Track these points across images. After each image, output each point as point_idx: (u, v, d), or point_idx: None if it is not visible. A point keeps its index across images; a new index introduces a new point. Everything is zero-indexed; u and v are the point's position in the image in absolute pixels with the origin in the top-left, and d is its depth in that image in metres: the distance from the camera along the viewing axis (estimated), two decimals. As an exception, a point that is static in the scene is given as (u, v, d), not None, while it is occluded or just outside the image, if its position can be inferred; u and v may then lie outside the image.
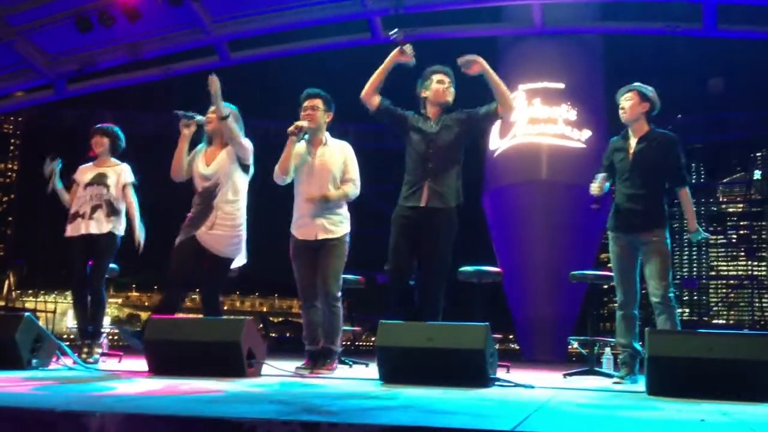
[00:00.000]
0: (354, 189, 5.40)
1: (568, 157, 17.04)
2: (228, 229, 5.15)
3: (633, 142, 5.23)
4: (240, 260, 5.35)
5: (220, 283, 5.34)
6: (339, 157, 5.43)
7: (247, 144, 5.27)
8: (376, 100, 5.08)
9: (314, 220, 5.32)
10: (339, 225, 5.38)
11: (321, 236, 5.31)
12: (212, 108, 5.23)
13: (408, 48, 4.92)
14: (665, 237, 5.09)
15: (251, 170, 5.37)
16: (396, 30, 4.91)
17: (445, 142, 4.97)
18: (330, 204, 5.31)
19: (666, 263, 5.04)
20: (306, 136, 5.39)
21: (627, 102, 5.23)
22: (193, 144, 5.37)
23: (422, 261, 4.89)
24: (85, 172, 6.17)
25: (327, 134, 5.48)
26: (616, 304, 5.29)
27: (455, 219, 4.94)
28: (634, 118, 5.22)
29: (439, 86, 5.07)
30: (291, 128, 5.23)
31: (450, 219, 4.91)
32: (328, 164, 5.38)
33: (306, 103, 5.42)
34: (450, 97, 5.09)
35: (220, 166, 5.21)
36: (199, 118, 5.28)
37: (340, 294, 5.34)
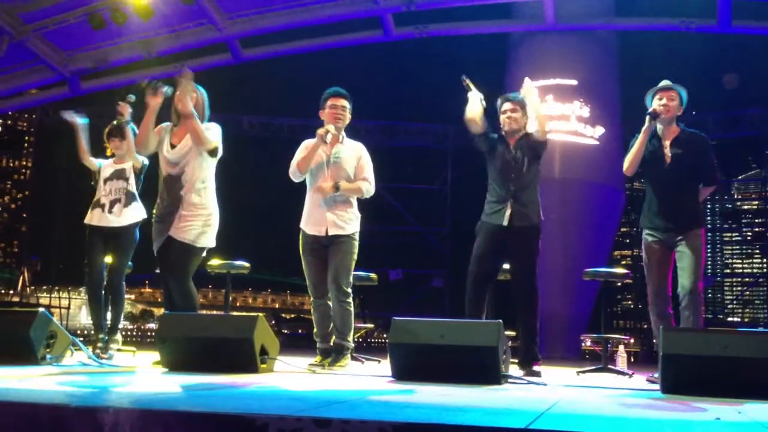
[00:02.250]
0: (369, 187, 5.49)
1: (582, 153, 17.01)
2: (196, 219, 4.94)
3: (666, 143, 5.19)
4: (209, 242, 5.08)
5: (187, 270, 4.96)
6: (353, 157, 5.51)
7: (213, 135, 5.04)
8: (480, 127, 5.45)
9: (325, 215, 5.36)
10: (349, 222, 5.41)
11: (331, 232, 5.34)
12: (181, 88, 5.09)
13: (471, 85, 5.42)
14: (701, 236, 5.10)
15: (219, 152, 5.13)
16: (464, 76, 5.43)
17: (525, 165, 5.36)
18: (341, 200, 5.37)
19: (700, 259, 5.03)
20: (328, 137, 5.41)
21: (672, 101, 5.17)
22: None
23: (518, 273, 5.34)
24: (106, 168, 6.32)
25: (343, 134, 5.57)
26: (649, 307, 5.23)
27: (538, 232, 5.37)
28: (671, 118, 5.19)
29: (504, 117, 5.48)
30: (322, 131, 5.30)
31: (535, 233, 5.34)
32: (343, 162, 5.45)
33: (334, 102, 5.48)
34: (515, 125, 5.44)
35: (186, 152, 4.99)
36: (166, 89, 5.07)
37: (350, 290, 5.34)
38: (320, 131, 5.32)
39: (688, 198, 5.15)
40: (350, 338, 5.38)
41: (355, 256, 5.41)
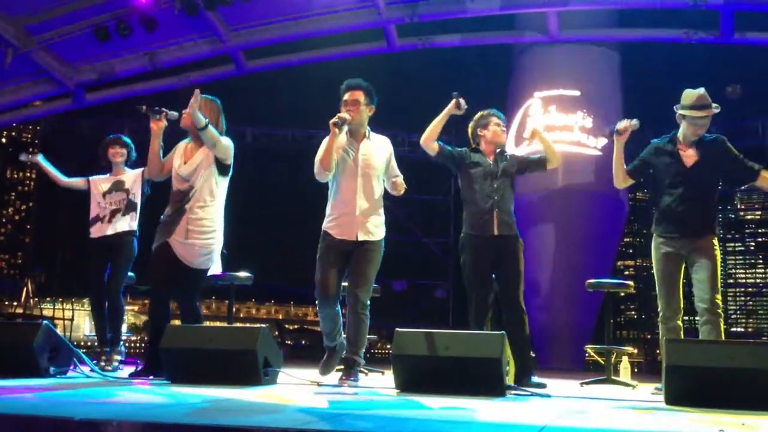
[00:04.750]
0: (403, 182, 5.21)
1: (584, 164, 17.02)
2: (201, 238, 4.92)
3: (688, 148, 5.08)
4: (214, 269, 5.12)
5: (195, 294, 5.09)
6: (383, 153, 5.17)
7: (227, 143, 5.04)
8: (435, 146, 5.51)
9: (355, 219, 5.01)
10: (380, 227, 5.11)
11: (362, 237, 5.00)
12: (190, 104, 4.98)
13: (462, 101, 5.29)
14: (715, 244, 5.01)
15: (230, 171, 5.13)
16: (456, 92, 5.36)
17: (506, 177, 5.52)
18: (374, 204, 5.07)
19: (716, 269, 4.94)
20: (346, 127, 5.04)
21: (708, 120, 5.05)
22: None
23: (507, 283, 5.39)
24: (103, 182, 6.27)
25: (369, 128, 5.18)
26: (659, 318, 5.08)
27: (521, 243, 5.47)
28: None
29: (497, 128, 5.62)
30: (334, 119, 4.90)
31: (519, 246, 5.44)
32: (372, 160, 5.10)
33: (347, 97, 5.08)
34: (503, 139, 5.66)
35: (197, 167, 5.00)
36: (170, 113, 5.06)
37: (369, 302, 5.04)
38: (332, 120, 4.89)
39: (705, 203, 5.06)
40: (362, 353, 5.07)
41: (379, 265, 5.11)
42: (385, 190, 5.27)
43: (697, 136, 5.08)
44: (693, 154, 5.07)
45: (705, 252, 4.96)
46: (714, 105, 5.05)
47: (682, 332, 5.04)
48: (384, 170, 5.18)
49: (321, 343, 5.30)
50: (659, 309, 5.09)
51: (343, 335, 5.14)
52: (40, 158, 6.31)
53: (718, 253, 5.03)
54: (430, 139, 5.45)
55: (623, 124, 5.16)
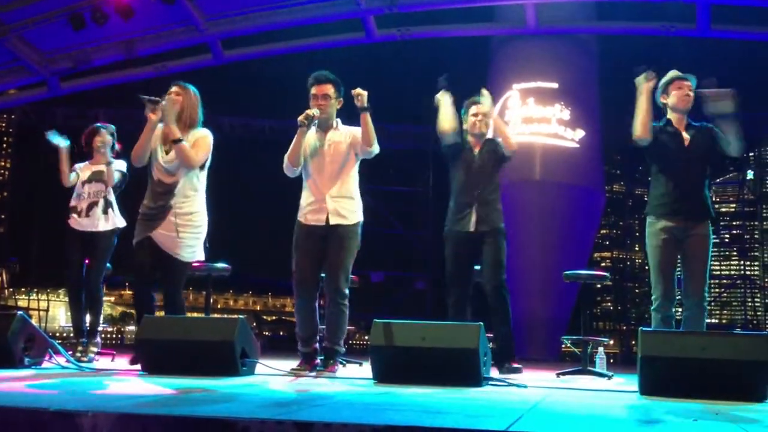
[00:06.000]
0: (375, 141, 5.05)
1: (562, 156, 17.09)
2: (189, 231, 4.91)
3: (683, 131, 5.01)
4: (198, 256, 5.08)
5: (180, 284, 5.05)
6: (348, 140, 5.13)
7: (201, 151, 4.99)
8: (453, 137, 5.60)
9: (325, 203, 5.01)
10: (353, 212, 5.07)
11: (332, 221, 4.99)
12: (174, 88, 5.01)
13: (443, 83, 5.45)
14: (711, 231, 4.93)
15: (208, 162, 5.07)
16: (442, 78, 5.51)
17: (489, 170, 5.51)
18: (342, 188, 5.05)
19: (709, 261, 4.89)
20: (316, 122, 5.07)
21: (691, 91, 5.00)
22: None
23: (486, 274, 5.49)
24: (84, 170, 6.26)
25: (338, 120, 5.21)
26: (653, 306, 4.95)
27: (504, 235, 5.52)
28: (689, 108, 5.02)
29: (473, 118, 5.57)
30: (301, 117, 4.93)
31: (500, 237, 5.50)
32: (341, 147, 5.10)
33: (315, 91, 5.09)
34: (485, 128, 5.57)
35: (179, 162, 4.92)
36: (164, 102, 4.97)
37: (348, 291, 5.01)
38: (299, 119, 4.95)
39: (702, 185, 4.99)
40: (342, 343, 5.10)
41: (356, 251, 5.06)
42: (363, 181, 5.29)
43: (684, 113, 5.01)
44: (692, 136, 5.01)
45: (702, 242, 4.87)
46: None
47: (674, 322, 4.95)
48: (353, 153, 5.13)
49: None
50: (653, 297, 4.95)
51: (319, 336, 5.15)
52: (65, 144, 6.20)
53: (711, 242, 4.93)
54: (450, 129, 5.52)
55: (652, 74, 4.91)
